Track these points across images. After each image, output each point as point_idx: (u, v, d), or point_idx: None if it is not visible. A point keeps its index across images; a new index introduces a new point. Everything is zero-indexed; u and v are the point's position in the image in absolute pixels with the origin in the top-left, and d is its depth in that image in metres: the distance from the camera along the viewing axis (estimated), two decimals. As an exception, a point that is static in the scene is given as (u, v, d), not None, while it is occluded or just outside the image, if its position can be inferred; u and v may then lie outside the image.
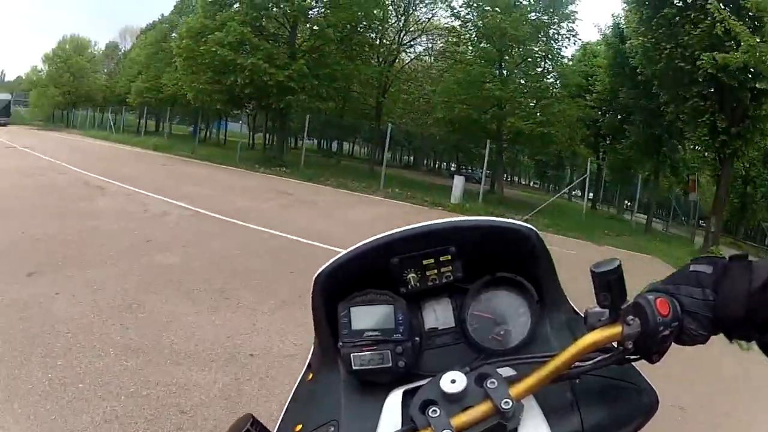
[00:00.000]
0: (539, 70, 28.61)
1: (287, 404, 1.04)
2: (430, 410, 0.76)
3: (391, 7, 33.04)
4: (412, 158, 71.38)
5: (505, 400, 0.74)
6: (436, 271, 1.05)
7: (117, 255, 6.93)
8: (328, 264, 1.04)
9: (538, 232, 1.04)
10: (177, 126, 60.21)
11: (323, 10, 27.14)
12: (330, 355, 1.03)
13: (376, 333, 0.96)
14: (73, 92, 56.58)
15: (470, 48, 29.47)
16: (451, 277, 1.06)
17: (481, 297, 1.07)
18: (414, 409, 0.78)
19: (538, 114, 26.30)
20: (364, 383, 0.97)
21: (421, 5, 34.16)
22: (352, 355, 0.95)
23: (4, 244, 6.99)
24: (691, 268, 0.80)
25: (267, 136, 47.52)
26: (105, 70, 65.89)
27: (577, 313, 1.05)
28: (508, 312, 1.05)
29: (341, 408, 0.94)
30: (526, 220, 13.35)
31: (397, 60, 35.01)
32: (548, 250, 1.04)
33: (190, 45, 25.67)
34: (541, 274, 1.05)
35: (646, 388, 0.88)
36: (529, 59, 27.86)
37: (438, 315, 1.09)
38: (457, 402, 0.77)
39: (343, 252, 1.04)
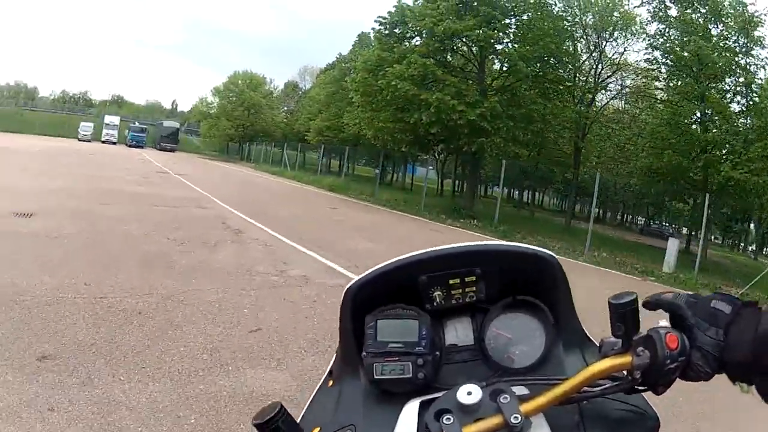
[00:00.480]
0: (737, 107, 24.03)
1: (306, 407, 1.08)
2: (444, 418, 0.82)
3: (582, 41, 30.25)
4: (599, 210, 65.97)
5: (515, 415, 0.80)
6: (460, 290, 1.13)
7: (183, 357, 4.45)
8: (359, 277, 1.10)
9: (558, 260, 1.10)
10: (363, 167, 61.47)
11: (512, 43, 24.72)
12: (352, 363, 1.10)
13: (400, 345, 1.03)
14: (248, 126, 59.81)
15: (671, 83, 25.44)
16: (474, 297, 1.14)
17: (501, 317, 1.14)
18: (429, 416, 0.84)
19: (749, 159, 21.49)
20: (383, 392, 1.03)
21: (611, 39, 30.64)
22: (374, 364, 1.02)
23: (45, 298, 5.27)
24: (712, 303, 0.85)
25: (456, 182, 46.47)
26: (285, 108, 69.71)
27: (590, 339, 1.13)
28: (525, 333, 1.12)
29: (360, 414, 1.00)
30: (741, 295, 9.68)
31: (593, 101, 31.41)
32: (567, 277, 1.11)
33: (367, 79, 24.56)
34: (559, 300, 1.13)
35: (650, 412, 0.95)
36: (727, 94, 23.56)
37: (458, 332, 1.16)
38: (470, 413, 0.83)
39: (375, 267, 1.09)
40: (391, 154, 38.30)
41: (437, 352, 1.07)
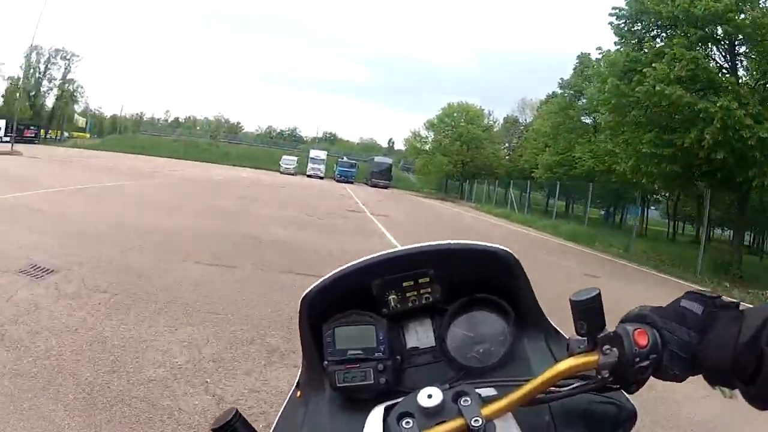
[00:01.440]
0: None
1: (276, 421, 1.07)
2: (404, 422, 0.82)
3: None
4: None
5: (476, 418, 0.79)
6: (415, 292, 1.12)
7: None
8: (313, 286, 1.10)
9: (515, 255, 1.11)
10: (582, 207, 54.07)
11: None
12: (316, 373, 1.11)
13: (359, 352, 1.05)
14: (467, 162, 54.67)
15: None
16: (430, 299, 1.13)
17: (461, 317, 1.14)
18: (392, 420, 0.84)
19: None
20: (348, 400, 1.05)
21: None
22: (336, 372, 1.03)
23: None
24: (682, 303, 0.81)
25: (708, 228, 38.04)
26: (506, 144, 64.51)
27: (560, 333, 1.13)
28: (487, 331, 1.12)
29: (326, 424, 1.03)
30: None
31: None
32: (525, 272, 1.11)
33: (618, 86, 17.41)
34: (520, 296, 1.13)
35: (626, 405, 0.92)
36: None
37: (419, 335, 1.16)
38: (432, 416, 0.82)
39: (328, 274, 1.10)
40: (624, 192, 32.05)
41: (398, 357, 1.07)
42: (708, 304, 0.78)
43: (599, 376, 0.80)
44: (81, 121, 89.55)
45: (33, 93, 77.62)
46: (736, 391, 0.74)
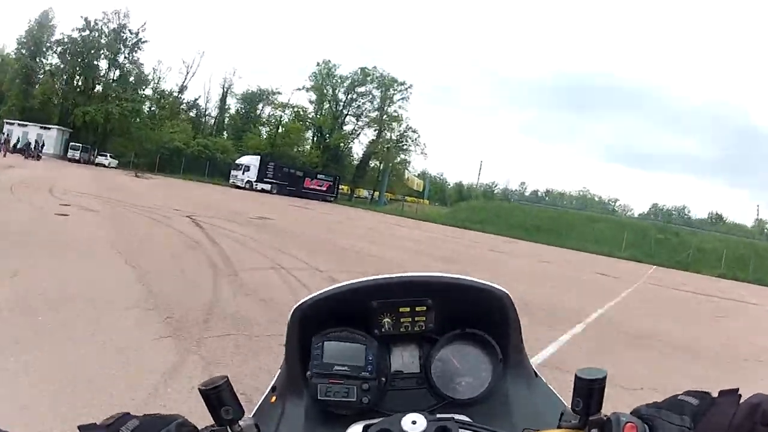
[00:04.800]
0: None
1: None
2: None
3: None
4: None
5: None
6: (410, 319, 1.14)
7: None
8: (308, 297, 1.12)
9: (510, 296, 1.13)
10: None
11: None
12: (297, 382, 1.11)
13: (346, 368, 1.05)
14: None
15: None
16: (424, 327, 1.15)
17: (448, 347, 1.15)
18: None
19: None
20: (326, 413, 1.06)
21: None
22: (319, 385, 1.04)
23: None
24: (679, 397, 0.79)
25: None
26: None
27: (539, 376, 1.20)
28: (472, 365, 1.13)
29: (302, 430, 1.03)
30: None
31: None
32: (518, 315, 1.14)
33: None
34: (509, 337, 1.15)
35: None
36: None
37: (405, 359, 1.17)
38: None
39: (326, 288, 1.12)
40: None
41: (383, 378, 1.07)
42: (706, 396, 0.75)
43: None
44: (417, 183, 74.24)
45: (326, 132, 66.61)
46: None
